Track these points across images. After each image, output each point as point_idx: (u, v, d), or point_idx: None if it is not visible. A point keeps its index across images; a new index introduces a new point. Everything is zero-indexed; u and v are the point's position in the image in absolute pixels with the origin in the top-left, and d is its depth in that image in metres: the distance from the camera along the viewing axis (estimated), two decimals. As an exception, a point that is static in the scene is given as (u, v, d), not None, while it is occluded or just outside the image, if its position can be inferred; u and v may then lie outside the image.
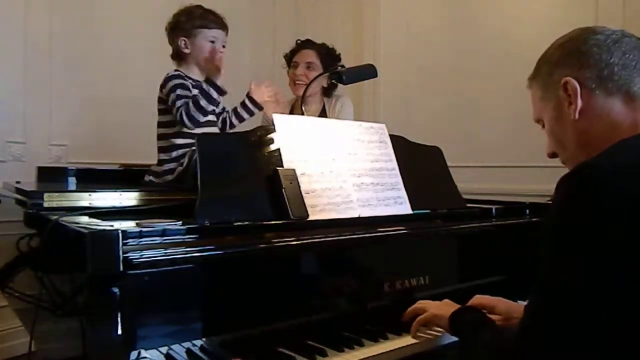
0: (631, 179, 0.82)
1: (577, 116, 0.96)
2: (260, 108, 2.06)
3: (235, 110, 2.09)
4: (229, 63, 1.99)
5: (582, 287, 0.81)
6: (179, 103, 1.88)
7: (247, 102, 2.04)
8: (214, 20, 2.03)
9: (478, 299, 1.30)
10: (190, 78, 1.96)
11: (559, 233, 0.84)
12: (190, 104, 1.87)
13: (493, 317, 1.26)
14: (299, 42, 2.57)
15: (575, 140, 0.98)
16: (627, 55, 0.94)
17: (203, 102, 1.88)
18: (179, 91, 1.89)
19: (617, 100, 0.94)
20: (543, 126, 1.06)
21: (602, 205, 0.80)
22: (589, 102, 0.95)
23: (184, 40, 1.99)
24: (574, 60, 0.97)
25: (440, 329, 1.19)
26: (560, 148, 1.03)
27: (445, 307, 1.17)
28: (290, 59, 2.56)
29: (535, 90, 1.06)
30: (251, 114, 2.07)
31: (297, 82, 2.48)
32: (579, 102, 0.95)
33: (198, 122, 1.89)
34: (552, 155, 1.06)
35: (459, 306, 1.17)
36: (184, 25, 2.00)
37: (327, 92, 2.58)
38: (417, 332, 1.20)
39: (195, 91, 1.93)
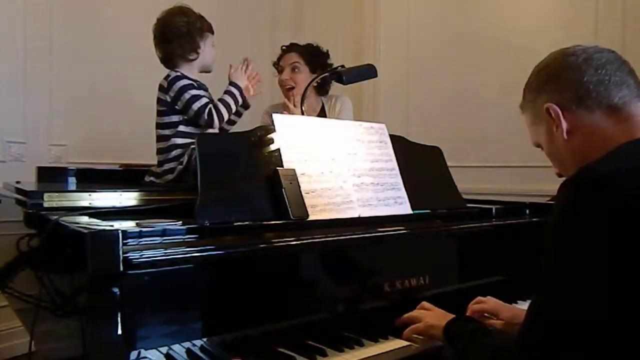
0: (631, 181, 0.82)
1: (565, 137, 0.99)
2: (243, 95, 1.99)
3: (221, 99, 1.97)
4: (227, 65, 1.99)
5: (583, 289, 0.81)
6: (200, 103, 1.88)
7: (231, 88, 1.98)
8: (211, 24, 2.04)
9: (480, 305, 1.30)
10: (192, 79, 1.96)
11: (560, 235, 0.85)
12: (218, 103, 1.91)
13: (496, 322, 1.27)
14: (283, 47, 2.55)
15: (571, 159, 1.01)
16: (600, 71, 0.97)
17: (231, 102, 1.94)
18: (192, 91, 1.89)
19: (601, 115, 0.96)
20: (542, 149, 1.09)
21: (603, 208, 0.80)
22: (574, 122, 0.98)
23: (198, 45, 1.97)
24: (550, 85, 1.01)
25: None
26: (561, 168, 1.06)
27: (440, 318, 1.16)
28: (277, 65, 2.55)
29: (527, 117, 1.10)
30: (237, 100, 1.98)
31: (285, 86, 2.46)
32: (564, 124, 0.99)
33: (224, 120, 1.92)
34: (560, 175, 1.07)
35: (453, 316, 1.16)
36: (199, 27, 1.97)
37: (321, 90, 2.55)
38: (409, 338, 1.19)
39: (202, 92, 1.93)
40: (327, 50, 2.52)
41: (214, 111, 1.89)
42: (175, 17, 1.97)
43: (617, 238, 0.79)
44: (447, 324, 1.13)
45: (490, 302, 1.31)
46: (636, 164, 0.88)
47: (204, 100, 1.89)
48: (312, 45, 2.51)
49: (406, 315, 1.23)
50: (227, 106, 1.94)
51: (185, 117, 1.92)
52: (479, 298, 1.33)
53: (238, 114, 2.10)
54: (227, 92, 1.98)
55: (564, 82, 0.99)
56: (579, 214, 0.82)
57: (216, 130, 1.99)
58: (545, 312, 0.85)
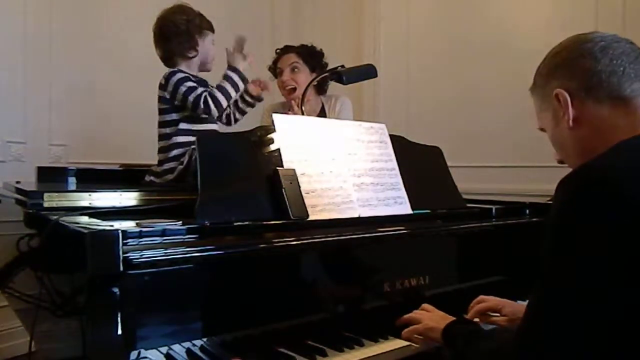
0: (630, 179, 0.82)
1: (571, 125, 0.98)
2: (243, 77, 1.96)
3: (217, 85, 1.94)
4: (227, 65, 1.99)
5: (581, 287, 0.81)
6: (195, 93, 1.86)
7: (228, 72, 1.95)
8: (211, 22, 2.04)
9: (483, 305, 1.31)
10: (190, 74, 1.96)
11: (558, 233, 0.85)
12: (215, 89, 1.88)
13: (499, 318, 1.27)
14: (277, 50, 2.55)
15: (574, 147, 1.00)
16: (615, 62, 0.95)
17: (229, 87, 1.90)
18: (188, 84, 1.88)
19: (610, 106, 0.95)
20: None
21: (601, 206, 0.80)
22: (582, 111, 0.97)
23: (197, 42, 1.97)
24: (563, 71, 0.99)
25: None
26: (563, 155, 1.05)
27: (440, 320, 1.16)
28: (274, 68, 2.54)
29: (535, 101, 1.08)
30: (235, 84, 1.94)
31: (286, 87, 2.46)
32: (571, 112, 0.97)
33: (222, 108, 1.89)
34: (561, 161, 1.07)
35: (453, 319, 1.16)
36: (198, 25, 1.97)
37: (320, 89, 2.55)
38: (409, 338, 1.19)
39: (201, 88, 1.93)
40: (321, 49, 2.53)
41: (209, 98, 1.86)
42: (174, 16, 1.97)
43: (617, 237, 0.79)
44: (446, 327, 1.12)
45: (492, 300, 1.31)
46: (635, 161, 0.87)
47: (199, 90, 1.88)
48: (307, 46, 2.52)
49: (406, 316, 1.23)
50: (224, 91, 1.89)
51: (186, 114, 1.92)
52: (481, 297, 1.33)
53: (249, 104, 2.08)
54: (224, 76, 1.94)
55: (577, 69, 0.97)
56: (578, 212, 0.82)
57: (215, 126, 1.99)
58: (543, 311, 0.85)
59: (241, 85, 1.95)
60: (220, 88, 1.90)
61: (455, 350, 1.09)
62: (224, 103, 1.90)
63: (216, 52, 2.07)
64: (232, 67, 1.95)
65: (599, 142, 0.93)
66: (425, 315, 1.21)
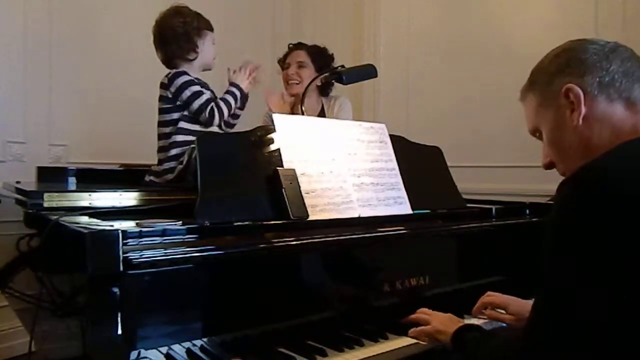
0: (630, 179, 0.82)
1: (580, 122, 0.96)
2: (244, 95, 2.02)
3: (222, 98, 1.99)
4: (228, 64, 1.99)
5: (581, 288, 0.81)
6: (201, 100, 1.88)
7: (232, 88, 2.01)
8: (209, 21, 2.04)
9: (491, 298, 1.31)
10: (194, 77, 1.96)
11: (559, 233, 0.85)
12: (220, 101, 1.93)
13: (505, 317, 1.27)
14: (290, 45, 2.60)
15: (577, 147, 0.98)
16: (626, 63, 0.96)
17: (232, 101, 1.96)
18: (193, 88, 1.89)
19: (619, 106, 0.95)
20: (539, 137, 1.06)
21: (601, 207, 0.80)
22: (592, 108, 0.96)
23: (197, 43, 1.97)
24: (575, 68, 0.98)
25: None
26: (561, 157, 1.03)
27: (449, 323, 1.15)
28: (283, 62, 2.58)
29: (530, 101, 1.06)
30: (237, 100, 1.99)
31: (289, 81, 2.50)
32: (583, 108, 0.96)
33: (224, 118, 1.94)
34: (548, 165, 1.05)
35: (462, 322, 1.16)
36: (196, 26, 1.97)
37: (323, 91, 2.58)
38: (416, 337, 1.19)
39: (204, 89, 1.93)
40: (332, 53, 2.56)
41: (215, 108, 1.90)
42: (172, 19, 1.97)
43: (617, 238, 0.79)
44: (456, 332, 1.11)
45: (499, 297, 1.32)
46: (636, 162, 0.88)
47: (205, 97, 1.90)
48: (318, 46, 2.56)
49: (413, 316, 1.22)
50: (228, 104, 1.95)
51: (186, 114, 1.92)
52: (489, 293, 1.34)
53: (235, 116, 2.10)
54: (228, 92, 2.00)
55: (588, 66, 0.96)
56: (578, 212, 0.82)
57: (215, 129, 1.99)
58: (544, 311, 0.85)
59: (239, 103, 2.01)
60: (224, 100, 1.95)
61: (465, 354, 1.09)
62: (226, 113, 1.95)
63: (218, 55, 2.07)
64: (235, 84, 2.00)
65: (602, 141, 0.93)
66: (434, 317, 1.19)
